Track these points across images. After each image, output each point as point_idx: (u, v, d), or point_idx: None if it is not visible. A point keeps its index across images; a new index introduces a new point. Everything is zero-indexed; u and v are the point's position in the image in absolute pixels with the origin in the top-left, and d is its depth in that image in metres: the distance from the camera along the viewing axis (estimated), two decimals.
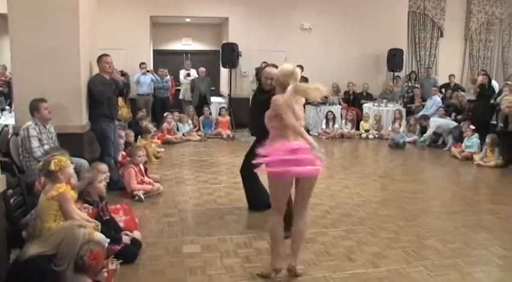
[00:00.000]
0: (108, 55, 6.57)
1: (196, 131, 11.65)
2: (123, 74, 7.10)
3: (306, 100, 4.17)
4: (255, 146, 4.46)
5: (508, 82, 10.06)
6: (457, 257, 4.61)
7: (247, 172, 5.82)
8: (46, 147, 5.45)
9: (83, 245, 3.28)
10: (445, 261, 4.51)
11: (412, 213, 6.03)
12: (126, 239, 4.41)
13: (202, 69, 12.50)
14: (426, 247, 4.86)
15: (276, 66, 4.85)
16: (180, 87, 13.27)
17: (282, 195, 3.98)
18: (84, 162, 5.71)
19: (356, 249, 4.78)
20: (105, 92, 6.48)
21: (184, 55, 15.02)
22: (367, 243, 4.95)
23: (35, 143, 5.42)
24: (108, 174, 4.85)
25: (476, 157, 9.24)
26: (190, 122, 11.64)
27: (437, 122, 11.09)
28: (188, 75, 12.98)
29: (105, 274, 3.62)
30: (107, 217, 4.50)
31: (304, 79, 11.40)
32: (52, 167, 3.96)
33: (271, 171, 3.78)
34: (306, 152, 3.76)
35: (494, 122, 9.89)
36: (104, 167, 4.75)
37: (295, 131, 3.80)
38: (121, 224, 4.73)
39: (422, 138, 11.39)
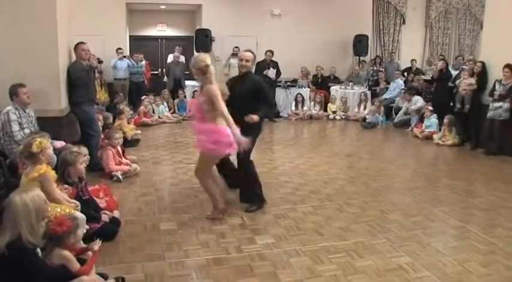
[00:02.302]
0: (84, 43, 6.47)
1: (172, 113, 11.56)
2: (99, 61, 7.12)
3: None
4: None
5: (464, 66, 10.21)
6: (417, 229, 4.72)
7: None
8: (26, 130, 5.35)
9: (36, 209, 2.99)
10: (406, 233, 4.61)
11: (376, 189, 6.13)
12: (105, 218, 4.39)
13: (176, 54, 12.38)
14: (389, 221, 4.96)
15: (251, 51, 5.46)
16: (156, 72, 13.05)
17: (212, 163, 4.89)
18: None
19: (324, 224, 4.84)
20: (84, 78, 6.42)
21: (159, 40, 14.80)
22: (334, 218, 5.02)
23: (15, 127, 5.30)
24: (88, 157, 4.79)
25: (435, 136, 9.43)
26: (165, 104, 11.54)
27: (417, 98, 11.13)
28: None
29: (91, 254, 3.59)
30: (87, 197, 4.44)
31: (275, 63, 11.41)
32: (34, 148, 3.89)
33: (215, 150, 4.52)
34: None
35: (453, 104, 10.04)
36: (84, 149, 4.67)
37: (225, 116, 4.46)
38: (103, 205, 4.69)
39: (399, 115, 11.32)
